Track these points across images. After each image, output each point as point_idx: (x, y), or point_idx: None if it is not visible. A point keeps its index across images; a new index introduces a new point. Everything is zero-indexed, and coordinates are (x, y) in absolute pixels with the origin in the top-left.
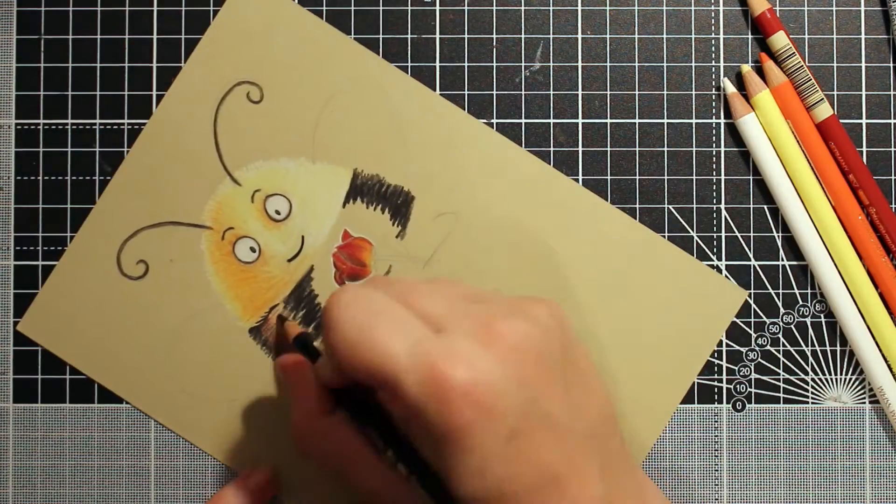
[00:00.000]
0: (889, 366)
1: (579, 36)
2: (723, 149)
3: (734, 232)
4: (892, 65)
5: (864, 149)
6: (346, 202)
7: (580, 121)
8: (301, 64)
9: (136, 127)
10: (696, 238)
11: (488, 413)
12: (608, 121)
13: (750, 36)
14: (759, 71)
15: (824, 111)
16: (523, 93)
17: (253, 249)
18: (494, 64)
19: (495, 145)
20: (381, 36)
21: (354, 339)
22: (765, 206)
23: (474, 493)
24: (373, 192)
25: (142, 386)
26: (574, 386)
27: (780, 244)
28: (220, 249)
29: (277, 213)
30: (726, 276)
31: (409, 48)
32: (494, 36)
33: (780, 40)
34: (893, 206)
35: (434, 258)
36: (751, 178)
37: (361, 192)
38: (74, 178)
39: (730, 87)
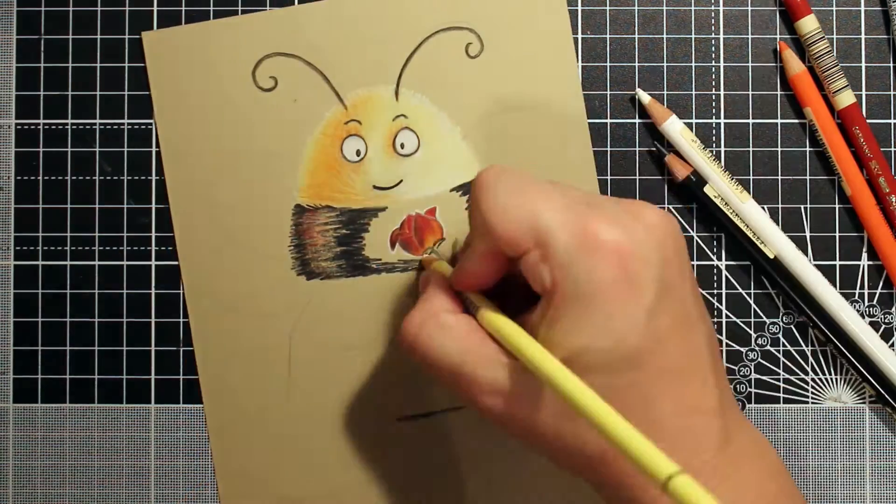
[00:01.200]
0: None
1: (579, 36)
2: (723, 149)
3: None
4: (892, 65)
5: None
6: (456, 189)
7: None
8: (526, 58)
9: (136, 127)
10: (696, 238)
11: (634, 279)
12: (608, 121)
13: (750, 36)
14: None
15: (848, 98)
16: None
17: (358, 153)
18: None
19: None
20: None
21: (506, 200)
22: (764, 206)
23: (607, 357)
24: None
25: (181, 179)
26: (695, 291)
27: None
28: (335, 129)
29: (402, 146)
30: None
31: None
32: None
33: (809, 24)
34: None
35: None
36: (751, 178)
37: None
38: (74, 178)
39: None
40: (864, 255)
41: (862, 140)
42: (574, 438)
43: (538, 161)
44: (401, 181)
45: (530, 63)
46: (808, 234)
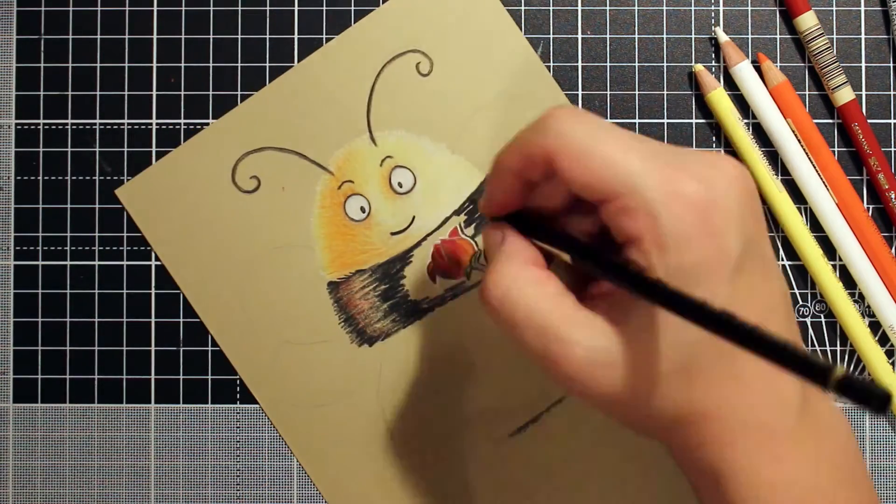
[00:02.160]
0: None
1: (579, 36)
2: (722, 149)
3: None
4: (892, 65)
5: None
6: (468, 203)
7: None
8: (477, 56)
9: (136, 127)
10: None
11: (720, 231)
12: (608, 121)
13: (750, 36)
14: (759, 70)
15: (847, 94)
16: None
17: (363, 209)
18: None
19: None
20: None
21: (587, 146)
22: (764, 206)
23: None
24: None
25: (206, 295)
26: (769, 240)
27: (779, 244)
28: (332, 197)
29: (400, 185)
30: None
31: None
32: None
33: (808, 20)
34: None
35: None
36: None
37: None
38: (74, 178)
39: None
40: (864, 258)
41: (861, 137)
42: (661, 400)
43: None
44: (413, 218)
45: (481, 57)
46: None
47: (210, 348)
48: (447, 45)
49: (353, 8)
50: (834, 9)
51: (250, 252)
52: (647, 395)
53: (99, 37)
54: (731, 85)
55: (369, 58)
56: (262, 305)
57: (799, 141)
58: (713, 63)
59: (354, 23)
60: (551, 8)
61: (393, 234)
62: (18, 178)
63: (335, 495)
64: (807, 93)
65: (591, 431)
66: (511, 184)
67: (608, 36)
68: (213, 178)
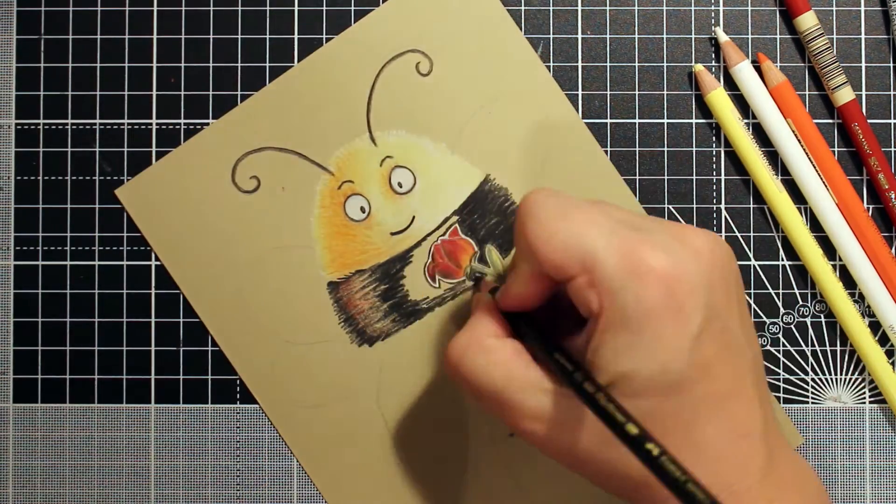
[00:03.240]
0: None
1: (579, 36)
2: (722, 149)
3: (734, 232)
4: (892, 65)
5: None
6: (467, 202)
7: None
8: (476, 56)
9: (135, 127)
10: None
11: (680, 306)
12: (608, 121)
13: (750, 35)
14: (758, 70)
15: (847, 94)
16: None
17: (363, 210)
18: None
19: (625, 199)
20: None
21: (553, 225)
22: (765, 206)
23: (652, 383)
24: (494, 203)
25: (205, 294)
26: (744, 315)
27: (779, 244)
28: (332, 197)
29: (400, 185)
30: None
31: None
32: None
33: (808, 20)
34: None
35: None
36: (751, 178)
37: (484, 198)
38: (74, 178)
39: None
40: (864, 258)
41: (861, 137)
42: (616, 463)
43: (529, 139)
44: (413, 218)
45: (481, 58)
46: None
47: (210, 348)
48: (447, 45)
49: (353, 8)
50: (834, 9)
51: (250, 252)
52: (606, 458)
53: (99, 37)
54: (731, 85)
55: (369, 58)
56: (261, 305)
57: (799, 141)
58: (713, 63)
59: (354, 23)
60: (551, 8)
61: (393, 234)
62: (18, 178)
63: (334, 495)
64: (807, 93)
65: None
66: (527, 282)
67: (608, 36)
68: (213, 177)
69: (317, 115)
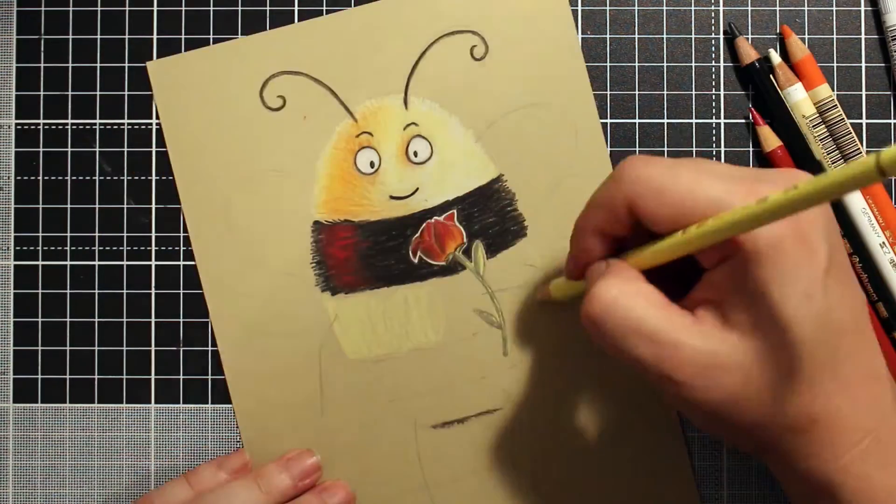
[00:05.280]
0: None
1: (579, 36)
2: (723, 149)
3: None
4: (892, 64)
5: (864, 149)
6: (473, 193)
7: None
8: (531, 58)
9: (135, 127)
10: None
11: (808, 241)
12: (608, 121)
13: (750, 35)
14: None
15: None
16: None
17: (372, 164)
18: None
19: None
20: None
21: (664, 183)
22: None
23: (797, 312)
24: (498, 203)
25: (195, 192)
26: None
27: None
28: (347, 142)
29: (415, 154)
30: None
31: None
32: None
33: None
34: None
35: (499, 295)
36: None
37: (490, 196)
38: (74, 178)
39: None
40: None
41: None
42: (765, 412)
43: (552, 156)
44: (417, 189)
45: (536, 61)
46: None
47: (210, 348)
48: (508, 39)
49: None
50: (834, 9)
51: (252, 167)
52: (758, 401)
53: (99, 37)
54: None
55: (430, 24)
56: (244, 223)
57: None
58: (713, 63)
59: None
60: None
61: (392, 197)
62: (18, 178)
63: (250, 434)
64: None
65: (497, 454)
66: (593, 243)
67: (608, 36)
68: (243, 84)
69: (360, 61)
